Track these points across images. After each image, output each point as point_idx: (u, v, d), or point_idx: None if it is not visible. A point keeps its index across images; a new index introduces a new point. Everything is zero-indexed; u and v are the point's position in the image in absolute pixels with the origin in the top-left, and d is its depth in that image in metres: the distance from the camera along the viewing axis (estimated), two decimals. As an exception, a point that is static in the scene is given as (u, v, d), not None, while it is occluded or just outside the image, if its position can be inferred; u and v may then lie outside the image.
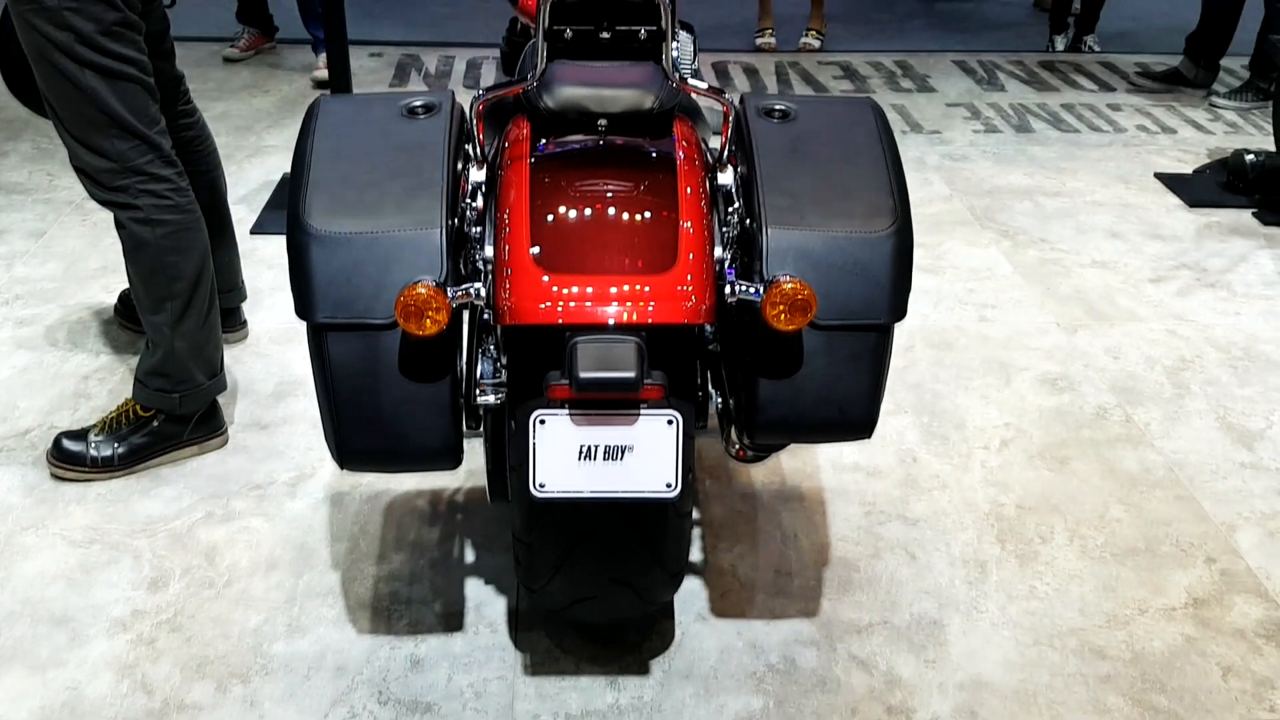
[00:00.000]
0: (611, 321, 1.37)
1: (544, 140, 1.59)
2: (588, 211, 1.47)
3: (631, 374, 1.34)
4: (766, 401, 1.50)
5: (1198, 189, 3.59)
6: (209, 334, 2.13)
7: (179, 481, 2.13)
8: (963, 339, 2.71)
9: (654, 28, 1.51)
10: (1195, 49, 4.54)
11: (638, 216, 1.47)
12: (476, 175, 1.61)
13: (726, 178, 1.61)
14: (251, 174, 3.51)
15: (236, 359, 2.51)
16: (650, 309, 1.38)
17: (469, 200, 1.56)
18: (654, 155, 1.58)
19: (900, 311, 1.49)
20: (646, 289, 1.39)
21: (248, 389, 2.42)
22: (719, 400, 1.73)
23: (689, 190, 1.52)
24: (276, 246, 3.00)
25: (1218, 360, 2.65)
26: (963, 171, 3.71)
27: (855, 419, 1.52)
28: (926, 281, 2.95)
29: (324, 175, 1.52)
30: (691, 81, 2.62)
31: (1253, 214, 3.43)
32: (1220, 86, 4.50)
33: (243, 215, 3.19)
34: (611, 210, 1.47)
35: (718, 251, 1.52)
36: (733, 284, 1.45)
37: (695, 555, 1.97)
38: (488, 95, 1.58)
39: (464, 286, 1.43)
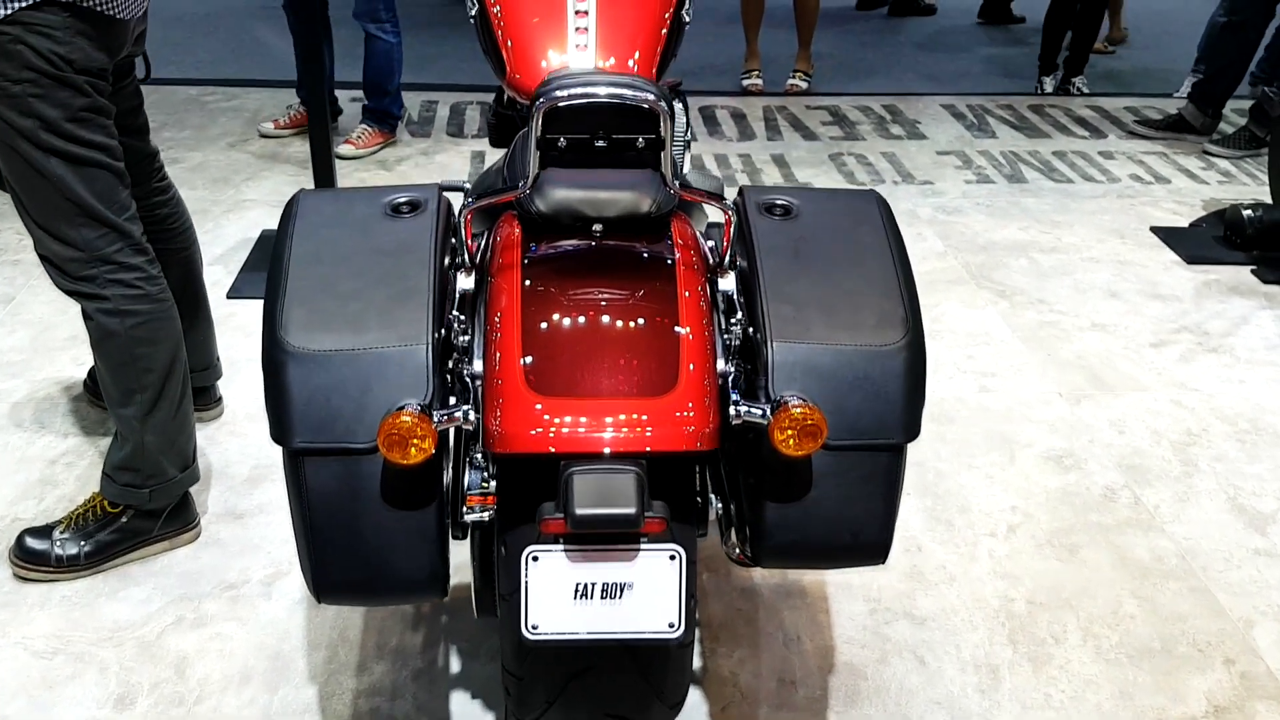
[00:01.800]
0: (609, 450, 1.28)
1: (535, 245, 1.51)
2: (583, 326, 1.39)
3: (632, 510, 1.25)
4: (774, 527, 1.41)
5: (1195, 244, 3.54)
6: (181, 424, 2.03)
7: (148, 581, 2.02)
8: (963, 410, 2.63)
9: (653, 135, 1.43)
10: (1202, 95, 4.48)
11: (636, 332, 1.38)
12: (464, 282, 1.52)
13: (728, 283, 1.53)
14: (228, 230, 3.40)
15: (210, 439, 2.41)
16: (650, 435, 1.30)
17: (456, 311, 1.47)
18: (652, 263, 1.49)
19: (914, 430, 1.41)
20: (646, 416, 1.30)
21: (222, 473, 2.32)
22: (719, 505, 1.64)
23: (689, 301, 1.44)
24: (254, 312, 2.90)
25: (1225, 433, 2.58)
26: (956, 225, 3.64)
27: (869, 544, 1.44)
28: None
29: (302, 284, 1.43)
30: (690, 179, 2.54)
31: (1251, 271, 3.37)
32: (1214, 133, 4.46)
33: (219, 277, 3.09)
34: (608, 325, 1.39)
35: (720, 364, 1.44)
36: (737, 404, 1.36)
37: (694, 661, 1.88)
38: (475, 203, 1.50)
39: (451, 410, 1.34)
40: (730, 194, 1.71)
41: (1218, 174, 4.18)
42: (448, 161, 4.03)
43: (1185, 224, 3.69)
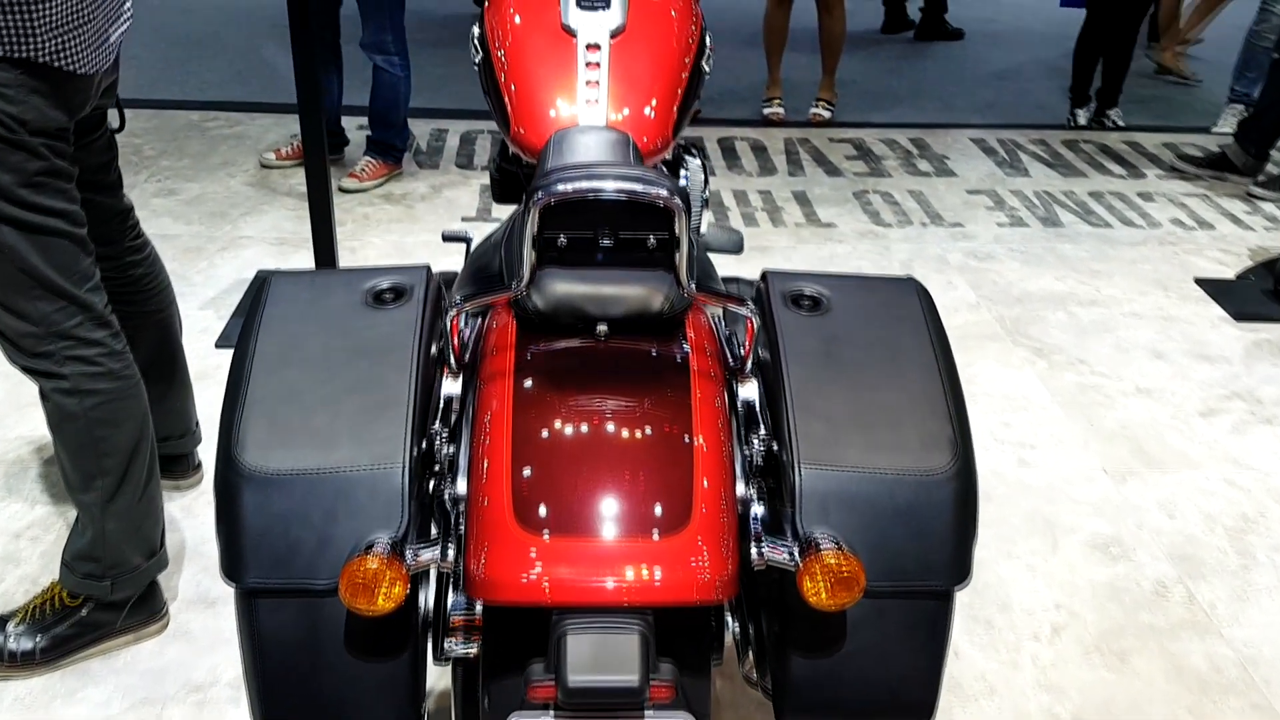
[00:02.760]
0: (610, 602, 1.10)
1: (531, 345, 1.33)
2: (582, 446, 1.20)
3: (634, 679, 1.07)
4: (802, 681, 1.23)
5: (1242, 298, 3.33)
6: (147, 509, 1.86)
7: (109, 680, 1.85)
8: (1001, 488, 2.44)
9: (665, 234, 1.25)
10: (1247, 134, 4.26)
11: (644, 453, 1.20)
12: (450, 386, 1.34)
13: (749, 390, 1.34)
14: (222, 270, 3.24)
15: (186, 509, 2.24)
16: (659, 584, 1.11)
17: (438, 425, 1.29)
18: (663, 369, 1.31)
19: (963, 572, 1.22)
20: (654, 561, 1.12)
21: (195, 550, 2.14)
22: (736, 628, 1.46)
23: (705, 415, 1.25)
24: (243, 364, 2.73)
25: (1284, 518, 2.38)
26: (989, 273, 3.45)
27: (911, 703, 1.25)
28: (956, 412, 2.68)
29: (265, 391, 1.25)
30: (709, 236, 2.33)
31: (1305, 329, 3.18)
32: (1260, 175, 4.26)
33: (208, 323, 2.92)
34: (611, 444, 1.20)
35: (740, 488, 1.25)
36: (760, 543, 1.18)
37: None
38: (464, 304, 1.32)
39: (428, 548, 1.16)
40: (751, 273, 1.53)
41: (1264, 219, 3.97)
42: (455, 196, 3.86)
43: (1231, 275, 3.49)
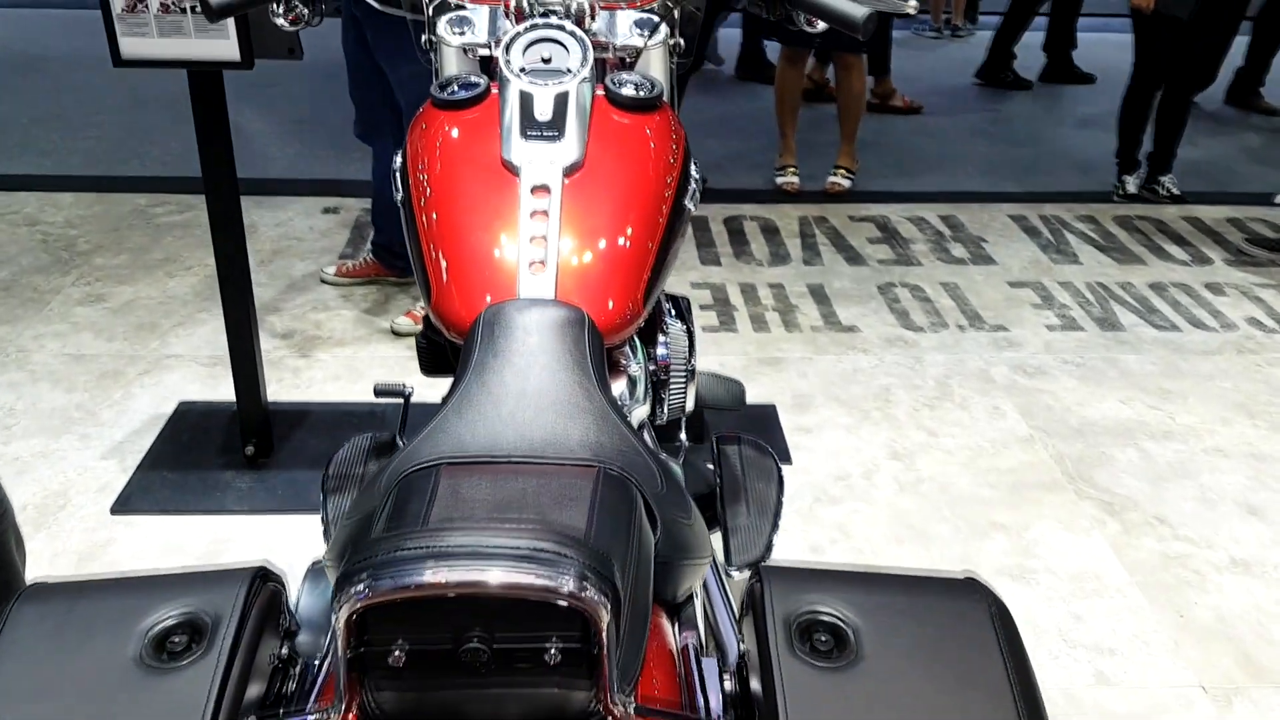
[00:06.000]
0: None
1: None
2: None
3: None
4: None
5: (1345, 425, 2.81)
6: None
7: None
8: (1077, 717, 1.92)
9: (576, 645, 0.76)
10: None
11: None
12: None
13: None
14: (138, 403, 2.76)
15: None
16: None
17: None
18: None
19: None
20: None
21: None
22: None
23: None
24: (141, 537, 2.25)
25: None
26: (1041, 395, 2.93)
27: None
28: (1014, 597, 2.16)
29: None
30: (701, 386, 1.86)
31: None
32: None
33: (108, 477, 2.44)
34: None
35: None
36: None
37: None
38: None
39: None
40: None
41: (1354, 316, 3.45)
42: (422, 298, 3.37)
43: (1327, 393, 2.97)
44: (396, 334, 3.11)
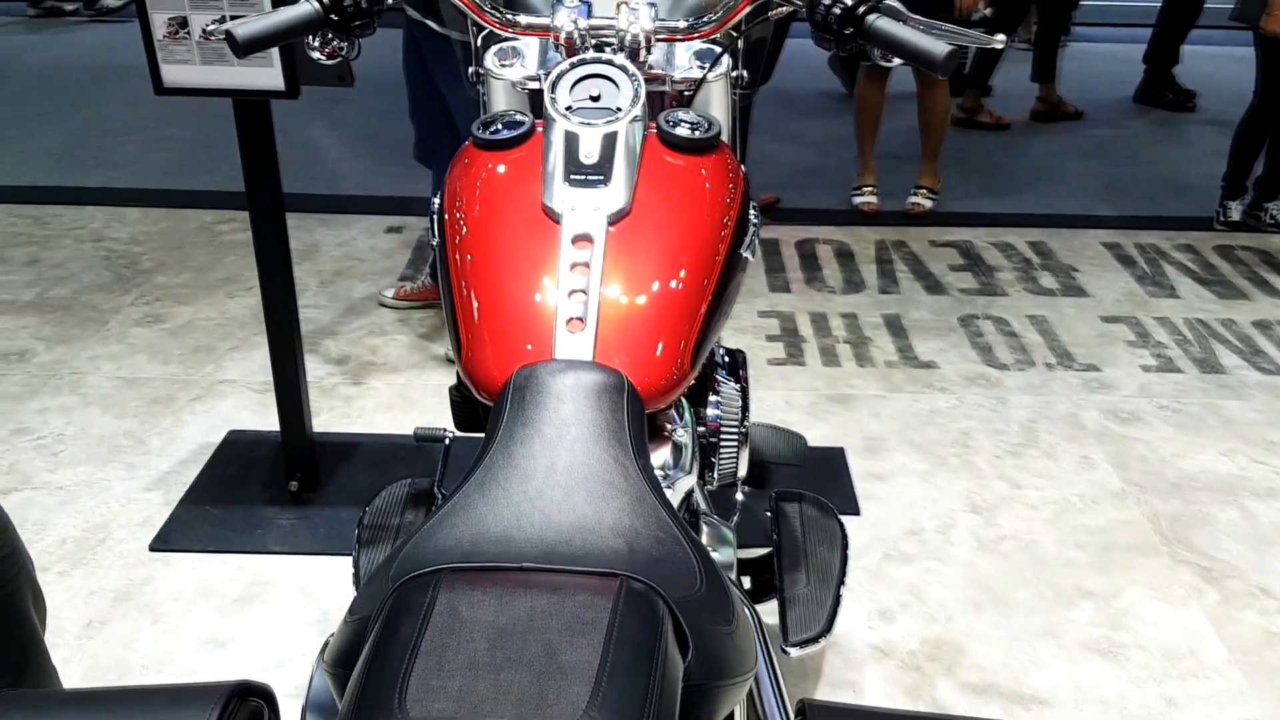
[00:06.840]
0: None
1: None
2: None
3: None
4: None
5: None
6: None
7: None
8: (1168, 822, 1.74)
9: None
10: None
11: None
12: None
13: None
14: (187, 431, 2.70)
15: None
16: None
17: None
18: None
19: None
20: None
21: None
22: None
23: None
24: (180, 577, 2.18)
25: None
26: (1135, 445, 2.72)
27: None
28: (1101, 676, 1.98)
29: None
30: (757, 437, 1.76)
31: None
32: None
33: (150, 512, 2.38)
34: None
35: None
36: None
37: None
38: None
39: None
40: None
41: None
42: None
43: None
44: (451, 361, 3.03)
